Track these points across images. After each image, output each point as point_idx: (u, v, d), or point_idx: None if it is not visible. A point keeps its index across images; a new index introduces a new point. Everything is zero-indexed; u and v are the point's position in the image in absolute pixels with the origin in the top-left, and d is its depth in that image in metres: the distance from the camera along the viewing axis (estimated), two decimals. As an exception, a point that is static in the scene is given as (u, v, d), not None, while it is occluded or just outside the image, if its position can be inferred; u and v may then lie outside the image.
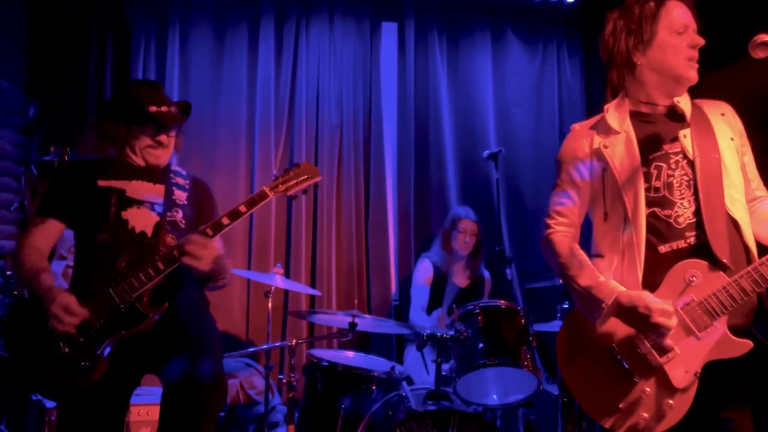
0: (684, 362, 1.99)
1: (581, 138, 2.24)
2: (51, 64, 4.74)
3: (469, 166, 5.32)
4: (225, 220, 2.45)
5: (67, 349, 2.37)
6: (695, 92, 2.22)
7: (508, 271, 4.39)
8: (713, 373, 2.00)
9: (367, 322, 3.65)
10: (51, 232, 2.59)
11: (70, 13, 4.84)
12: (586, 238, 2.27)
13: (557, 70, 5.58)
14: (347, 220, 5.08)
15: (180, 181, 2.70)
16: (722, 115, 2.19)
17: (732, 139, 2.15)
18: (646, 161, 2.11)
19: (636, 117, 2.19)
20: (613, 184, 2.12)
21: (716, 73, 2.17)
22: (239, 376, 4.25)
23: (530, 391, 3.35)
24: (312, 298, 4.89)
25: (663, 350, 2.00)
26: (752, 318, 2.02)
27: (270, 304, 4.11)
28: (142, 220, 2.53)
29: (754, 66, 2.15)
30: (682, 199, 2.07)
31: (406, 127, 5.28)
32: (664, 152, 2.12)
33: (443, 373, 3.37)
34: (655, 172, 2.10)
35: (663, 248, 2.06)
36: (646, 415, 2.01)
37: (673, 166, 2.10)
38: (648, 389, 2.02)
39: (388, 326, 4.06)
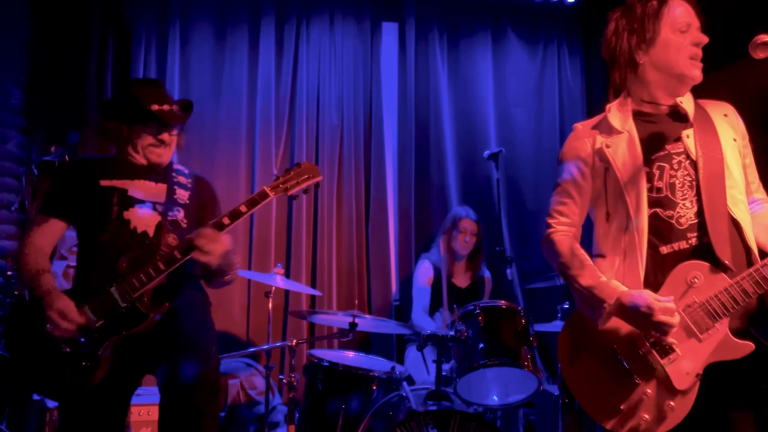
0: (685, 364, 1.99)
1: (583, 138, 2.23)
2: (52, 64, 4.73)
3: (470, 166, 5.32)
4: (226, 220, 2.45)
5: (68, 349, 2.37)
6: (695, 92, 2.21)
7: (508, 271, 4.38)
8: (715, 374, 2.00)
9: (367, 322, 3.65)
10: (53, 232, 2.59)
11: (71, 12, 4.84)
12: (586, 238, 2.27)
13: (558, 70, 5.58)
14: (348, 220, 5.08)
15: (182, 179, 2.69)
16: (725, 115, 2.18)
17: (735, 140, 2.14)
18: (648, 161, 2.10)
19: (638, 117, 2.18)
20: (615, 184, 2.12)
21: (716, 73, 2.16)
22: (240, 376, 4.25)
23: (531, 391, 3.35)
24: (312, 298, 4.89)
25: (664, 351, 2.00)
26: (751, 319, 2.02)
27: (270, 304, 4.12)
28: (144, 220, 2.53)
29: (755, 66, 2.15)
30: (684, 199, 2.07)
31: (406, 127, 5.28)
32: (666, 152, 2.11)
33: (444, 374, 3.37)
34: (657, 173, 2.10)
35: (664, 249, 2.06)
36: (647, 416, 2.01)
37: (676, 167, 2.09)
38: (649, 390, 2.02)
39: (389, 326, 4.06)
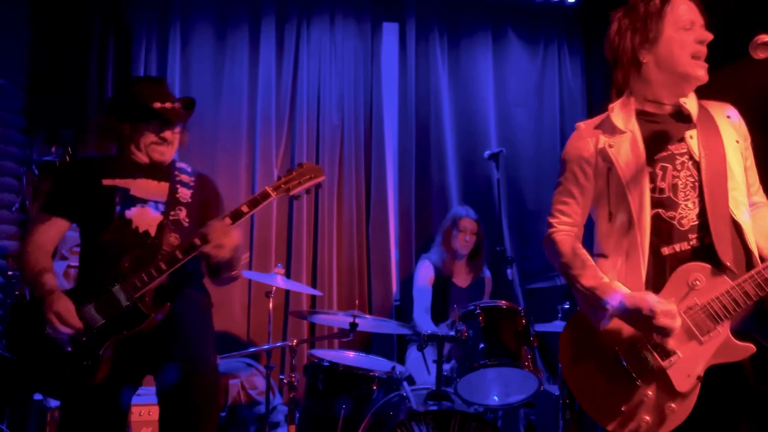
0: (686, 366, 1.98)
1: (586, 137, 2.21)
2: (52, 64, 4.73)
3: (470, 167, 5.33)
4: (227, 220, 2.45)
5: (69, 349, 2.37)
6: (696, 92, 2.20)
7: (509, 271, 4.39)
8: (716, 376, 1.99)
9: (367, 323, 3.65)
10: (55, 230, 2.59)
11: (71, 12, 4.84)
12: (587, 237, 2.26)
13: (558, 71, 5.58)
14: (348, 220, 5.08)
15: (185, 178, 2.68)
16: (728, 117, 2.17)
17: (737, 141, 2.13)
18: (651, 161, 2.09)
19: (642, 116, 2.17)
20: (618, 184, 2.11)
21: (716, 73, 2.15)
22: (240, 376, 4.25)
23: (531, 391, 3.35)
24: (313, 298, 4.89)
25: (666, 354, 2.00)
26: (752, 321, 2.02)
27: (271, 304, 4.12)
28: (146, 220, 2.52)
29: (755, 66, 2.15)
30: (687, 200, 2.06)
31: (407, 128, 5.28)
32: (670, 153, 2.10)
33: (444, 374, 3.37)
34: (660, 173, 2.08)
35: (666, 250, 2.05)
36: (648, 418, 2.00)
37: (679, 167, 2.08)
38: (650, 392, 2.01)
39: (389, 326, 4.06)
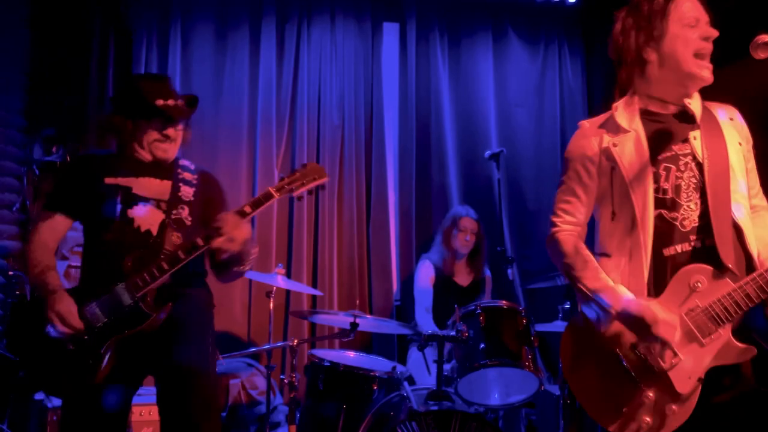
0: (687, 368, 1.98)
1: (590, 136, 2.20)
2: (53, 64, 4.74)
3: (471, 166, 5.33)
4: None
5: (71, 347, 2.38)
6: (698, 92, 2.20)
7: (509, 271, 4.39)
8: (716, 378, 2.00)
9: (368, 322, 3.65)
10: (58, 228, 2.59)
11: (72, 12, 4.84)
12: (589, 236, 2.26)
13: (559, 71, 5.58)
14: (349, 220, 5.08)
15: (187, 176, 2.67)
16: (731, 119, 2.16)
17: (740, 144, 2.13)
18: (655, 161, 2.08)
19: (646, 116, 2.16)
20: (622, 184, 2.10)
21: (717, 73, 2.14)
22: (241, 376, 4.26)
23: (532, 391, 3.35)
24: (313, 298, 4.89)
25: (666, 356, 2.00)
26: (753, 324, 2.02)
27: (271, 304, 4.12)
28: (148, 219, 2.52)
29: (755, 66, 2.15)
30: (689, 201, 2.06)
31: (407, 128, 5.29)
32: (673, 153, 2.10)
33: (445, 374, 3.37)
34: (663, 174, 2.08)
35: (667, 251, 2.05)
36: (648, 419, 2.00)
37: (682, 168, 2.08)
38: (651, 394, 2.01)
39: (390, 326, 4.06)
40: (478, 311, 3.38)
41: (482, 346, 3.29)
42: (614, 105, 2.20)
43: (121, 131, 2.60)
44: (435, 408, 3.12)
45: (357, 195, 5.13)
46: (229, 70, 5.09)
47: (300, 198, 2.58)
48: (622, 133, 2.15)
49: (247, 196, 4.88)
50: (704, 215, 2.04)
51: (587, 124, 2.25)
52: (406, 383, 3.38)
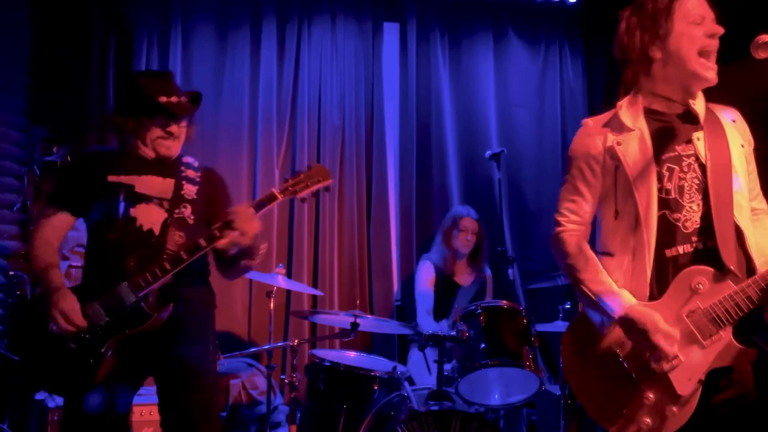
0: (688, 370, 1.97)
1: (594, 135, 2.18)
2: (53, 64, 4.74)
3: (471, 167, 5.33)
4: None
5: (73, 346, 2.38)
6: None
7: (510, 271, 4.39)
8: (717, 380, 1.99)
9: (368, 323, 3.65)
10: (61, 225, 2.59)
11: (72, 12, 4.83)
12: (591, 234, 2.26)
13: (559, 71, 5.57)
14: (349, 220, 5.08)
15: (191, 173, 2.66)
16: (733, 121, 2.16)
17: (742, 146, 2.12)
18: (658, 161, 2.08)
19: (650, 114, 2.15)
20: (625, 182, 2.09)
21: (718, 72, 2.14)
22: (241, 376, 4.26)
23: (532, 391, 3.35)
24: (314, 298, 4.89)
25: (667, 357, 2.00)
26: (754, 327, 2.01)
27: (272, 304, 4.12)
28: (150, 218, 2.51)
29: (756, 66, 2.15)
30: (691, 202, 2.05)
31: (408, 128, 5.28)
32: (677, 154, 2.09)
33: (445, 373, 3.37)
34: (667, 174, 2.07)
35: (669, 252, 2.04)
36: (648, 420, 2.00)
37: (686, 169, 2.07)
38: (651, 395, 2.00)
39: (390, 326, 4.06)
40: (479, 311, 3.38)
41: (483, 346, 3.29)
42: (618, 103, 2.19)
43: (124, 128, 2.60)
44: (435, 408, 3.13)
45: (357, 195, 5.13)
46: (230, 70, 5.09)
47: (304, 200, 2.57)
48: (627, 132, 2.13)
49: (247, 197, 4.88)
50: (706, 217, 2.03)
51: (591, 123, 2.23)
52: (406, 383, 3.38)
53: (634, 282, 2.05)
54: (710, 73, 2.07)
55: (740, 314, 1.95)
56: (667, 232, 2.04)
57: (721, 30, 2.07)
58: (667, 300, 2.01)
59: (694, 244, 2.03)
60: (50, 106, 4.68)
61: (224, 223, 2.40)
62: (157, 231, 2.50)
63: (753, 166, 2.17)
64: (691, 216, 2.05)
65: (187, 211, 2.56)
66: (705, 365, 1.98)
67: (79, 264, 3.94)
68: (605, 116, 2.22)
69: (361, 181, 5.17)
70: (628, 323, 1.99)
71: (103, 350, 2.37)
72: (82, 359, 2.37)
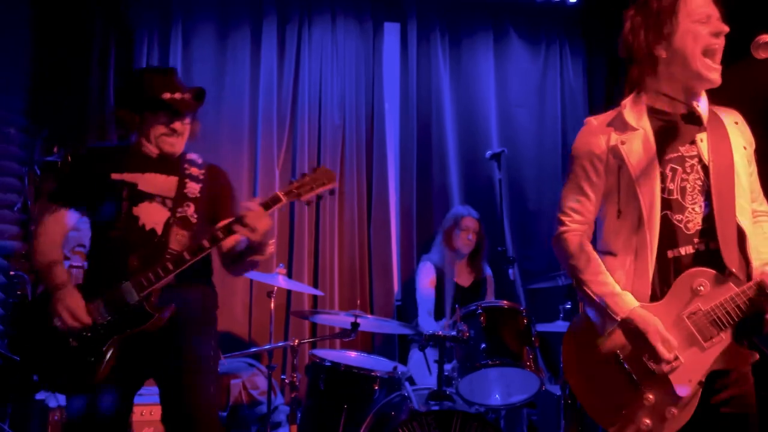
0: (688, 371, 1.98)
1: (598, 134, 2.17)
2: (53, 64, 4.74)
3: (472, 167, 5.33)
4: (233, 226, 2.42)
5: (75, 344, 2.38)
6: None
7: (510, 271, 4.39)
8: (717, 382, 2.00)
9: (369, 322, 3.66)
10: (64, 221, 2.57)
11: (73, 12, 4.83)
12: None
13: (560, 71, 5.57)
14: (350, 220, 5.09)
15: (194, 171, 2.64)
16: (736, 123, 2.15)
17: (745, 148, 2.12)
18: (662, 161, 2.07)
19: (653, 114, 2.14)
20: (629, 182, 2.08)
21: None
22: (242, 376, 4.26)
23: (533, 391, 3.35)
24: (314, 298, 4.89)
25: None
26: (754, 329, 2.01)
27: (272, 304, 4.11)
28: (153, 217, 2.50)
29: (757, 66, 2.14)
30: (694, 204, 2.05)
31: (408, 128, 5.29)
32: (680, 154, 2.08)
33: (445, 374, 3.37)
34: (670, 174, 2.07)
35: (671, 253, 2.04)
36: (648, 421, 2.00)
37: (688, 170, 2.07)
38: (651, 396, 2.00)
39: (391, 326, 4.06)
40: (479, 311, 3.38)
41: (483, 346, 3.29)
42: (623, 102, 2.18)
43: (128, 124, 2.58)
44: (436, 408, 3.13)
45: (358, 195, 5.13)
46: (230, 70, 5.09)
47: (308, 203, 2.56)
48: (630, 131, 2.12)
49: (248, 197, 4.87)
50: (708, 218, 2.03)
51: (594, 122, 2.22)
52: (407, 383, 3.38)
53: (636, 282, 2.04)
54: (714, 74, 2.06)
55: (741, 316, 1.95)
56: (669, 233, 2.04)
57: (726, 28, 2.05)
58: (668, 301, 2.01)
59: (695, 246, 2.03)
60: (50, 106, 4.67)
61: (235, 219, 2.40)
62: (159, 230, 2.49)
63: (754, 168, 2.17)
64: (693, 217, 2.04)
65: (190, 209, 2.55)
66: (705, 367, 1.98)
67: (80, 264, 3.94)
68: (609, 115, 2.21)
69: (362, 181, 5.17)
70: (629, 326, 1.99)
71: (104, 349, 2.37)
72: (83, 357, 2.37)
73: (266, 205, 2.44)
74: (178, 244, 2.46)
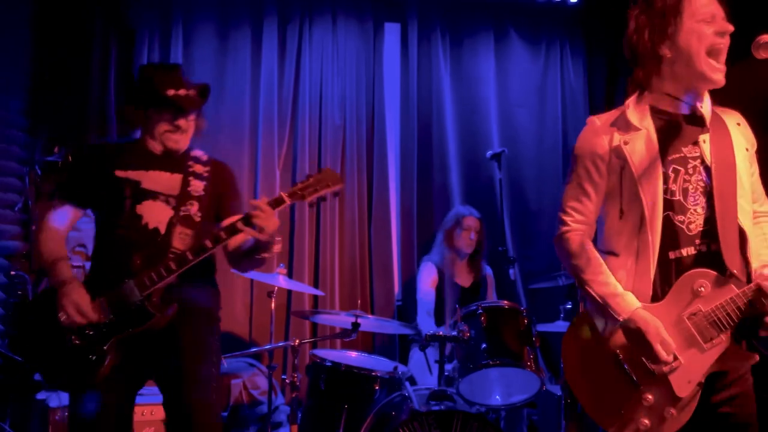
0: (687, 372, 1.98)
1: (601, 134, 2.16)
2: (53, 64, 4.74)
3: (472, 167, 5.33)
4: (239, 225, 2.41)
5: (77, 342, 2.38)
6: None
7: (511, 271, 4.40)
8: (716, 383, 2.00)
9: (370, 323, 3.66)
10: (68, 217, 2.57)
11: (73, 12, 4.83)
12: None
13: (560, 71, 5.57)
14: (350, 220, 5.09)
15: (198, 168, 2.63)
16: (738, 124, 2.15)
17: (747, 149, 2.12)
18: (664, 161, 2.07)
19: (656, 114, 2.13)
20: (631, 182, 2.08)
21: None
22: (242, 376, 4.26)
23: (533, 391, 3.35)
24: (315, 298, 4.89)
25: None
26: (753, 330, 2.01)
27: (273, 304, 4.11)
28: (156, 216, 2.49)
29: (757, 66, 2.14)
30: (696, 205, 2.05)
31: (409, 128, 5.29)
32: (682, 155, 2.08)
33: (446, 374, 3.37)
34: (672, 175, 2.07)
35: (673, 254, 2.04)
36: (647, 421, 2.00)
37: (691, 171, 2.07)
38: (650, 396, 2.01)
39: (391, 326, 4.06)
40: (480, 311, 3.38)
41: (484, 346, 3.29)
42: (626, 102, 2.17)
43: (133, 120, 2.58)
44: (436, 408, 3.13)
45: (358, 195, 5.13)
46: (231, 70, 5.09)
47: (312, 204, 2.55)
48: (633, 131, 2.12)
49: (248, 197, 4.87)
50: (710, 220, 2.03)
51: (597, 121, 2.21)
52: (407, 383, 3.38)
53: (638, 282, 2.05)
54: (717, 74, 2.05)
55: (741, 318, 1.95)
56: (671, 234, 2.04)
57: (731, 28, 2.04)
58: (669, 302, 2.01)
59: (697, 247, 2.03)
60: (50, 107, 4.68)
61: (241, 218, 2.40)
62: (162, 230, 2.48)
63: (755, 169, 2.17)
64: (695, 219, 2.04)
65: (193, 208, 2.54)
66: (704, 368, 1.98)
67: (80, 264, 3.94)
68: (612, 115, 2.20)
69: (362, 181, 5.17)
70: (630, 328, 1.99)
71: (105, 348, 2.37)
72: (84, 356, 2.37)
73: (270, 206, 2.43)
74: (182, 242, 2.45)
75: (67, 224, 2.58)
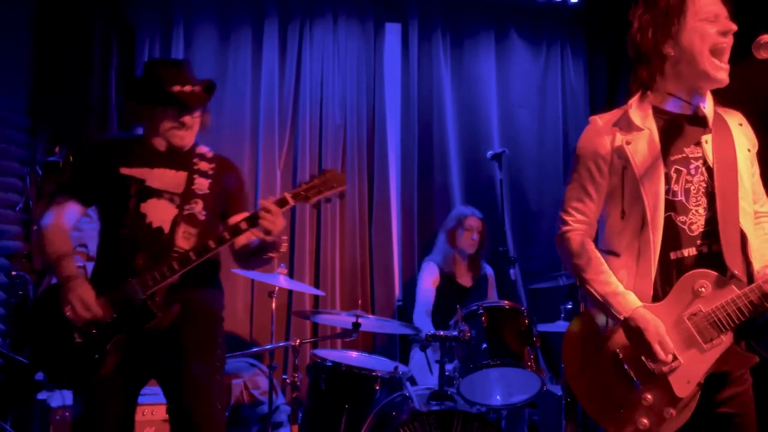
0: (687, 372, 1.98)
1: (603, 134, 2.16)
2: (54, 64, 4.74)
3: (473, 167, 5.33)
4: (243, 225, 2.41)
5: (80, 340, 2.38)
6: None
7: (511, 271, 4.39)
8: (716, 383, 2.00)
9: (370, 323, 3.66)
10: (72, 213, 2.56)
11: (73, 12, 4.83)
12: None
13: (561, 71, 5.56)
14: (351, 220, 5.09)
15: (203, 166, 2.61)
16: (740, 125, 2.15)
17: (749, 150, 2.12)
18: (666, 162, 2.07)
19: (659, 114, 2.13)
20: (633, 183, 2.08)
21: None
22: (243, 376, 4.26)
23: (534, 391, 3.36)
24: (316, 298, 4.90)
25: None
26: (752, 332, 2.02)
27: (274, 304, 4.12)
28: (161, 214, 2.48)
29: (758, 66, 2.14)
30: (697, 206, 2.05)
31: (409, 128, 5.29)
32: (685, 156, 2.08)
33: (447, 374, 3.37)
34: (674, 176, 2.07)
35: (674, 254, 2.04)
36: (646, 421, 2.00)
37: (693, 172, 2.07)
38: (650, 396, 2.01)
39: (392, 326, 4.06)
40: (481, 311, 3.38)
41: (484, 346, 3.29)
42: (629, 102, 2.17)
43: (139, 117, 2.56)
44: (437, 408, 3.13)
45: (359, 195, 5.13)
46: (232, 70, 5.09)
47: (316, 206, 2.53)
48: (636, 131, 2.11)
49: (249, 197, 4.87)
50: (711, 220, 2.03)
51: (600, 121, 2.20)
52: (408, 383, 3.39)
53: (639, 282, 2.05)
54: (721, 73, 2.05)
55: (741, 319, 1.95)
56: (673, 235, 2.04)
57: (734, 27, 2.04)
58: (670, 302, 2.01)
59: (698, 248, 2.03)
60: (51, 106, 4.67)
61: (247, 217, 2.39)
62: (166, 229, 2.47)
63: (756, 169, 2.17)
64: (696, 219, 2.04)
65: (198, 206, 2.52)
66: (704, 368, 1.98)
67: (81, 264, 3.94)
68: (614, 114, 2.20)
69: (363, 181, 5.17)
70: (631, 327, 1.99)
71: (108, 347, 2.37)
72: (87, 354, 2.37)
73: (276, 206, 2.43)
74: (186, 241, 2.45)
75: (71, 221, 2.57)
